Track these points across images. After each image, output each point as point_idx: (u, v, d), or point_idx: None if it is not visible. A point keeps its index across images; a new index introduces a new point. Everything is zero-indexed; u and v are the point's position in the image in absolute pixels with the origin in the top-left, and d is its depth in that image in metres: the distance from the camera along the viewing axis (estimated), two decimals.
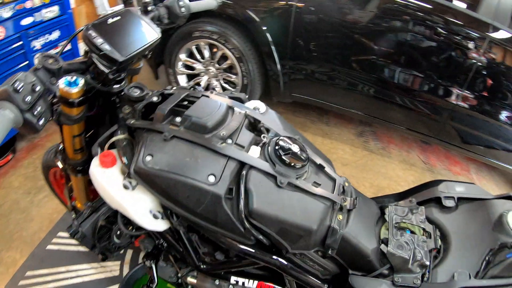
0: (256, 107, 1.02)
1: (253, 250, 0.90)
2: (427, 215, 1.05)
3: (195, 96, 0.96)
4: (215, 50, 2.65)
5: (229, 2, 2.36)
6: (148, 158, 0.81)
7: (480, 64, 2.12)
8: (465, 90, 2.23)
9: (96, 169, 0.87)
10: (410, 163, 2.90)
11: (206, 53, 2.65)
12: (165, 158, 0.82)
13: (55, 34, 2.39)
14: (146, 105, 0.91)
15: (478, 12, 2.09)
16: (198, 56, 2.71)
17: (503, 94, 2.21)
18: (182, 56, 2.73)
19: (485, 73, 2.15)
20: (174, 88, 1.01)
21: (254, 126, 0.99)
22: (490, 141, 2.42)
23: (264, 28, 2.37)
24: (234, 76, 2.67)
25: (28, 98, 0.69)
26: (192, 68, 2.77)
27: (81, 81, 0.84)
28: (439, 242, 0.99)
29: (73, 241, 1.84)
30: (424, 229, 0.99)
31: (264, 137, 0.92)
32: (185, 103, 0.94)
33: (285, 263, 0.92)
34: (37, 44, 2.25)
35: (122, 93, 0.93)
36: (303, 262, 0.95)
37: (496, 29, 2.07)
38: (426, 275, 0.91)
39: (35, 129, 0.72)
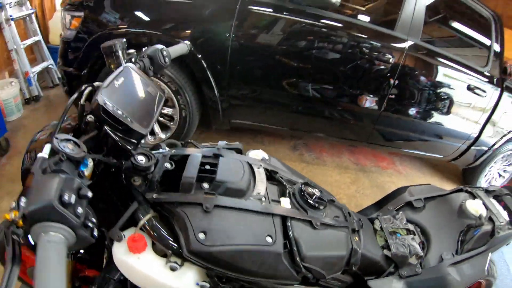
0: (264, 157, 1.11)
1: None
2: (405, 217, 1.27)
3: (208, 156, 0.97)
4: None
5: (157, 32, 2.31)
6: (202, 236, 0.79)
7: (396, 73, 2.50)
8: (383, 97, 2.59)
9: (127, 257, 0.77)
10: (343, 166, 3.19)
11: None
12: (221, 232, 0.81)
13: None
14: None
15: (395, 30, 2.47)
16: None
17: (412, 95, 2.65)
18: None
19: (399, 80, 2.54)
20: (170, 149, 0.99)
21: (271, 176, 1.06)
22: (407, 135, 2.87)
23: (199, 56, 2.36)
24: (171, 110, 2.60)
25: (80, 210, 0.53)
26: None
27: (90, 161, 0.70)
28: (421, 236, 1.23)
29: None
30: (408, 229, 1.22)
31: (289, 187, 1.02)
32: (207, 167, 0.92)
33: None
34: None
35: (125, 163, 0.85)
36: (326, 282, 1.05)
37: (409, 43, 2.47)
38: (422, 263, 1.13)
39: (88, 243, 0.56)
